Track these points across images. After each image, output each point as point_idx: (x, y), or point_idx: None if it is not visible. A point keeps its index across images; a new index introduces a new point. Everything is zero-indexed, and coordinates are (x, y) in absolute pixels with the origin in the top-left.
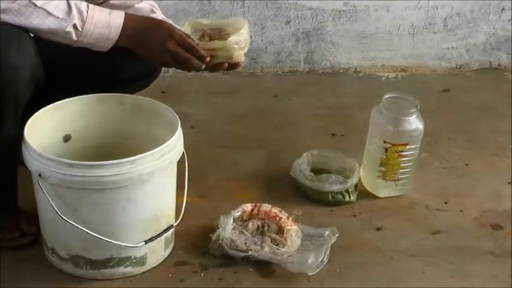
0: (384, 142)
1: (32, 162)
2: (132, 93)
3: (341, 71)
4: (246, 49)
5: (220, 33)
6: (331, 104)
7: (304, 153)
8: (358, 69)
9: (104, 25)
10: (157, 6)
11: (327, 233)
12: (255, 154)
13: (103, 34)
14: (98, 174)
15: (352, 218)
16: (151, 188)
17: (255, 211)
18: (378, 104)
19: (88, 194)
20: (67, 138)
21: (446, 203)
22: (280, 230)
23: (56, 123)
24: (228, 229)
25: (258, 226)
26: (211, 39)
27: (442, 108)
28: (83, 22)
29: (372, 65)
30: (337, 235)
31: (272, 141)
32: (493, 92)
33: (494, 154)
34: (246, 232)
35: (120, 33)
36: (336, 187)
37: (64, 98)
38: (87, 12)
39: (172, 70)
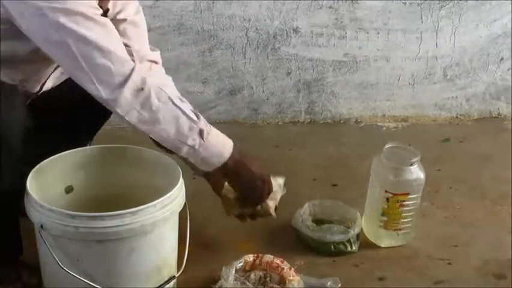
0: (386, 192)
1: (34, 214)
2: None
3: (341, 122)
4: (276, 203)
5: None
6: (332, 155)
7: (306, 204)
8: (359, 120)
9: (221, 141)
10: (159, 59)
11: (329, 283)
12: None
13: (218, 149)
14: (100, 226)
15: (354, 268)
16: (153, 239)
17: (257, 262)
18: (379, 154)
19: (89, 245)
20: (68, 190)
21: (448, 252)
22: (282, 281)
23: (58, 175)
24: (230, 280)
25: (260, 277)
26: None
27: (443, 157)
28: (208, 132)
29: (373, 115)
30: (339, 285)
31: None
32: (493, 141)
33: (495, 203)
34: (248, 283)
35: (231, 153)
36: (338, 237)
37: (62, 144)
38: (210, 126)
39: None
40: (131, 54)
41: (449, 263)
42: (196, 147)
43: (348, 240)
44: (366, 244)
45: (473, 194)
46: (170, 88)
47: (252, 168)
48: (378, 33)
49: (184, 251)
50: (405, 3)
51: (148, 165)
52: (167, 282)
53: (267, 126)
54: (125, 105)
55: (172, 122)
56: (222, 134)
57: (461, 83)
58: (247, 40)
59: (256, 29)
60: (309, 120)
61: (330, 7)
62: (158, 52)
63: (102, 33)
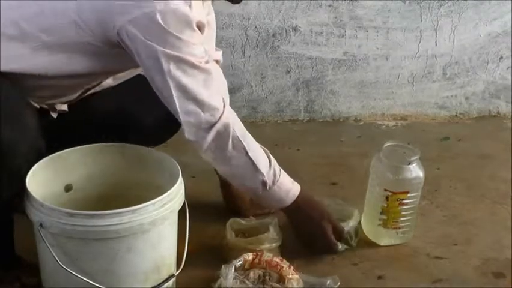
0: (385, 190)
1: (33, 212)
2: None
3: (341, 120)
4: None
5: (256, 232)
6: (331, 153)
7: None
8: (358, 118)
9: (286, 191)
10: (221, 58)
11: (328, 282)
12: None
13: (280, 198)
14: (99, 224)
15: (353, 266)
16: (152, 238)
17: (256, 260)
18: (378, 152)
19: (88, 243)
20: (68, 188)
21: (447, 251)
22: (282, 279)
23: (57, 173)
24: (229, 278)
25: (259, 275)
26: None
27: (442, 156)
28: (273, 184)
29: (372, 113)
30: (338, 284)
31: None
32: (493, 140)
33: (495, 202)
34: (247, 281)
35: (293, 201)
36: None
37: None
38: (279, 176)
39: None
40: None
41: (449, 262)
42: (259, 193)
43: (347, 233)
44: (365, 243)
45: (473, 193)
46: (251, 138)
47: (313, 218)
48: (378, 32)
49: (183, 250)
50: (404, 2)
51: (147, 164)
52: (167, 281)
53: (266, 125)
54: (205, 145)
55: (239, 169)
56: (290, 182)
57: (460, 81)
58: (247, 38)
59: (256, 27)
60: (308, 119)
61: (330, 6)
62: (221, 52)
63: (203, 81)
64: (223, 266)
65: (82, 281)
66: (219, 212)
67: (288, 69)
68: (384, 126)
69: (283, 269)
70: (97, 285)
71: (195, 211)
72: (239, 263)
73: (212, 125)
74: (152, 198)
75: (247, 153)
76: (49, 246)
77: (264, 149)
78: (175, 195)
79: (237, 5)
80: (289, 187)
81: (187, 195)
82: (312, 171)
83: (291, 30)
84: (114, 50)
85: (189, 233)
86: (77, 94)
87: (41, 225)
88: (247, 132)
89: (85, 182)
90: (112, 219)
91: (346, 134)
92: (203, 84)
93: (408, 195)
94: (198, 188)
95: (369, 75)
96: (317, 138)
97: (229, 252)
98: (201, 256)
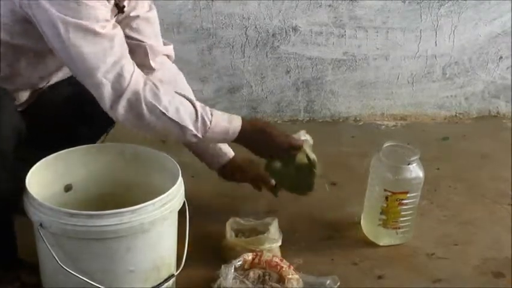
0: (385, 190)
1: (33, 212)
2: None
3: (340, 120)
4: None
5: (256, 232)
6: (331, 153)
7: None
8: (358, 118)
9: (224, 133)
10: (172, 52)
11: (328, 281)
12: (256, 204)
13: (220, 139)
14: (99, 224)
15: (353, 266)
16: (151, 238)
17: (256, 260)
18: (378, 152)
19: (88, 243)
20: (67, 188)
21: (447, 251)
22: (281, 279)
23: (57, 173)
24: (229, 278)
25: (259, 275)
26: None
27: (442, 156)
28: (206, 132)
29: (372, 113)
30: (338, 284)
31: None
32: (493, 140)
33: (494, 202)
34: (247, 281)
35: (235, 137)
36: None
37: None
38: (210, 122)
39: None
40: (145, 50)
41: (448, 262)
42: (194, 142)
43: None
44: (365, 242)
45: (473, 193)
46: (168, 95)
47: (265, 143)
48: (378, 32)
49: (183, 250)
50: (404, 2)
51: (147, 164)
52: (166, 280)
53: None
54: (121, 118)
55: (164, 130)
56: (226, 122)
57: (460, 81)
58: (246, 39)
59: (256, 27)
60: (308, 119)
61: (330, 6)
62: (171, 46)
63: (106, 49)
64: (222, 266)
65: (82, 281)
66: (218, 212)
67: (288, 69)
68: (383, 126)
69: (283, 269)
70: (97, 285)
71: (194, 211)
72: (239, 263)
73: (121, 95)
74: (152, 198)
75: (165, 115)
76: (49, 246)
77: (187, 98)
78: (175, 195)
79: (236, 5)
80: (225, 128)
81: (187, 195)
82: None
83: (290, 30)
84: (25, 26)
85: (189, 233)
86: (26, 95)
87: (40, 225)
88: (161, 90)
89: (84, 182)
90: (112, 219)
91: (346, 134)
92: (107, 53)
93: (408, 195)
94: (197, 188)
95: (369, 75)
96: (317, 138)
97: (229, 252)
98: (200, 256)
